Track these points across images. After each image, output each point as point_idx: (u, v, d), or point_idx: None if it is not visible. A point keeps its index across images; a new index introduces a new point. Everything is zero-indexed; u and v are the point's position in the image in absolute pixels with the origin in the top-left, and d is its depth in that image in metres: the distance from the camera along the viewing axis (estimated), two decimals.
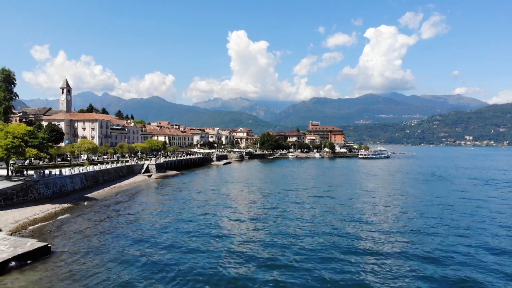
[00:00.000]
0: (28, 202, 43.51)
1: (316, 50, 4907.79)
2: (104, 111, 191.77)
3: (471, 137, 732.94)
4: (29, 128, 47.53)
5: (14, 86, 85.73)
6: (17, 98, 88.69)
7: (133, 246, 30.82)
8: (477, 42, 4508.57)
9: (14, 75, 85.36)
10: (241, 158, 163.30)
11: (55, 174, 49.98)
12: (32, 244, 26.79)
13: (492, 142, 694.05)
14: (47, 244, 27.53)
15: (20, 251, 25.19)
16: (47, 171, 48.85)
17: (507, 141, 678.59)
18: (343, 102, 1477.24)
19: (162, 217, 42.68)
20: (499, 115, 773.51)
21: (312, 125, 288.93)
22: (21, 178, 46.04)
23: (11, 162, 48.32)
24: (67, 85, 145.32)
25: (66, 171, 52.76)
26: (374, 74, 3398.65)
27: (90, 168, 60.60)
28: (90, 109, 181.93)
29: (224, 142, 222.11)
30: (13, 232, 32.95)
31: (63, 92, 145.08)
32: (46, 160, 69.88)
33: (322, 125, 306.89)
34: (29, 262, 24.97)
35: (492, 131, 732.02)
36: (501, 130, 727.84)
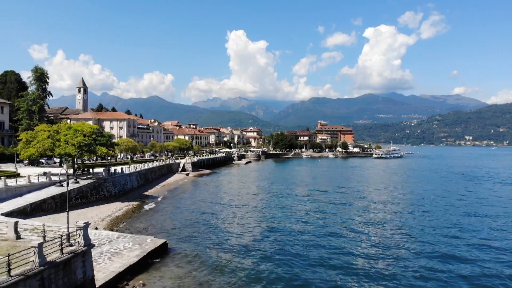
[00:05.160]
0: (100, 200, 43.22)
1: (315, 50, 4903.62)
2: (114, 111, 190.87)
3: (471, 137, 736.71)
4: (94, 126, 47.21)
5: (48, 84, 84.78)
6: (51, 97, 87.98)
7: (230, 236, 32.44)
8: (476, 42, 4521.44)
9: (47, 74, 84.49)
10: (258, 157, 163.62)
11: (118, 173, 49.67)
12: (153, 241, 26.49)
13: (492, 142, 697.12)
14: (166, 241, 27.26)
15: (147, 248, 24.82)
16: (112, 169, 48.50)
17: (507, 141, 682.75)
18: (342, 102, 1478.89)
19: (235, 211, 44.23)
20: (498, 115, 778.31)
21: (320, 125, 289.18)
22: (88, 176, 45.67)
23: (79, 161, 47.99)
24: (84, 84, 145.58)
25: (125, 169, 52.46)
26: (373, 73, 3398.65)
27: (142, 167, 60.34)
28: (100, 108, 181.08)
29: (236, 142, 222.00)
30: (108, 230, 32.64)
31: (79, 92, 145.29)
32: (106, 158, 68.67)
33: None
34: (157, 259, 24.69)
35: (492, 131, 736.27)
36: (500, 130, 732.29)
